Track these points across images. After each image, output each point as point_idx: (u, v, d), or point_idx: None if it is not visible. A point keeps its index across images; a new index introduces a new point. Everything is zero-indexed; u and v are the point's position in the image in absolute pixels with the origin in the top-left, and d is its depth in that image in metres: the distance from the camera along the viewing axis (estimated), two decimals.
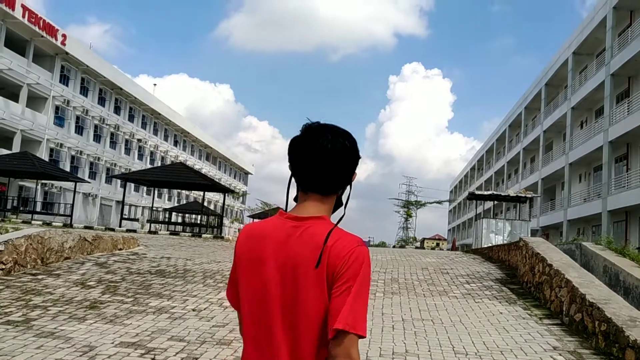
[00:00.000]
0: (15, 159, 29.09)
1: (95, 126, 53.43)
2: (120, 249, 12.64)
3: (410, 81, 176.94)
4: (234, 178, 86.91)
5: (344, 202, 1.71)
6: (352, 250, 1.52)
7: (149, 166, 56.07)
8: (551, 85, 42.40)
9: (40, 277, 8.95)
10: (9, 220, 21.19)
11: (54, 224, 22.58)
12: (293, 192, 1.71)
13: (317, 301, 1.50)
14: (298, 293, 1.51)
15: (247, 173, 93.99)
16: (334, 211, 1.68)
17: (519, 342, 6.83)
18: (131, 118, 59.46)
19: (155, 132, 63.77)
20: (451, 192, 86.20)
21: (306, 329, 1.51)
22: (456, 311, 8.52)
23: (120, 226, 28.20)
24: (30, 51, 45.15)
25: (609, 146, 27.95)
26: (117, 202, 51.13)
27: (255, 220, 58.45)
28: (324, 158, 1.62)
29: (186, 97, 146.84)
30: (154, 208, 32.68)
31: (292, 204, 1.68)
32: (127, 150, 59.06)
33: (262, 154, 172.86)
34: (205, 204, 58.63)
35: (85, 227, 22.68)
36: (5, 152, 37.36)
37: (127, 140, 58.63)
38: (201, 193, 57.00)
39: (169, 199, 63.12)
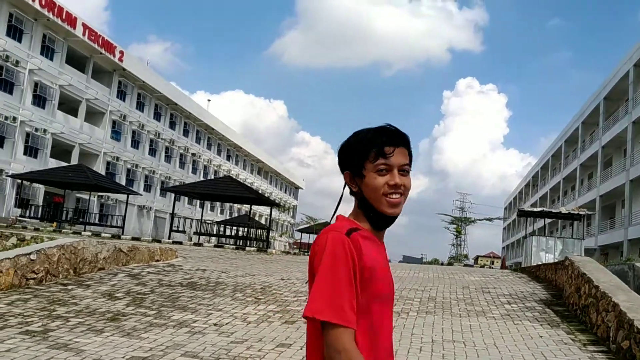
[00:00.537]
0: (70, 171, 30.01)
1: (151, 140, 54.74)
2: (157, 261, 12.66)
3: (464, 96, 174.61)
4: (285, 192, 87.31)
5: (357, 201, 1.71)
6: (318, 241, 1.56)
7: (202, 180, 56.95)
8: (610, 98, 40.73)
9: (70, 287, 8.98)
10: (59, 231, 21.77)
11: (102, 234, 23.04)
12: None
13: None
14: None
15: (297, 187, 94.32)
16: (370, 220, 1.67)
17: None
18: (186, 133, 60.67)
19: (209, 147, 64.87)
20: (505, 208, 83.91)
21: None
22: (492, 333, 8.04)
23: (169, 238, 28.58)
24: (89, 67, 46.79)
25: None
26: (171, 214, 52.12)
27: (303, 234, 58.35)
28: None
29: (242, 113, 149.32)
30: (204, 220, 33.03)
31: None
32: (182, 164, 60.22)
33: (314, 168, 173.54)
34: (257, 217, 59.10)
35: (133, 238, 23.03)
36: (64, 164, 38.58)
37: (181, 155, 59.82)
38: (254, 207, 57.63)
39: (222, 212, 63.87)
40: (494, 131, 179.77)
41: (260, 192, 74.17)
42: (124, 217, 33.43)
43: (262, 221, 66.34)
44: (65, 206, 39.54)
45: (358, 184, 1.67)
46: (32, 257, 8.81)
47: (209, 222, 36.82)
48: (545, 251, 19.98)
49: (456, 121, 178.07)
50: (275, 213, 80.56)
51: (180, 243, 22.26)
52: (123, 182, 49.18)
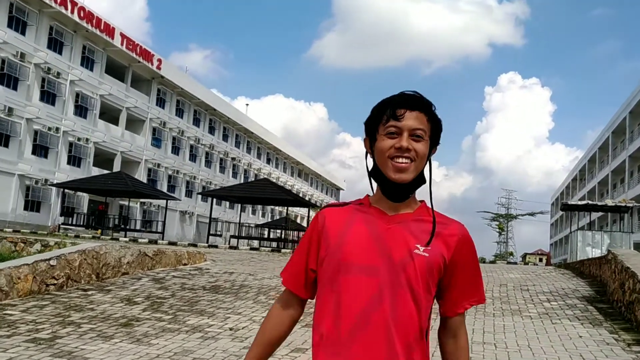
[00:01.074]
0: (110, 179, 30.43)
1: (191, 146, 55.30)
2: (185, 264, 12.50)
3: (507, 91, 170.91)
4: (326, 194, 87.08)
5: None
6: None
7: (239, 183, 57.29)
8: None
9: (90, 292, 8.86)
10: (98, 237, 22.01)
11: (139, 240, 23.19)
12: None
13: None
14: None
15: (338, 189, 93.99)
16: (381, 187, 1.66)
17: None
18: (225, 137, 61.10)
19: (249, 151, 65.19)
20: (552, 204, 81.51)
21: None
22: (526, 334, 7.50)
23: (207, 242, 28.63)
24: (128, 76, 47.57)
25: None
26: (213, 218, 52.50)
27: None
28: None
29: (282, 116, 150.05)
30: (242, 224, 33.03)
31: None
32: (222, 169, 60.67)
33: (355, 169, 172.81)
34: (298, 220, 58.97)
35: (169, 243, 23.11)
36: (106, 172, 39.22)
37: (221, 159, 60.26)
38: (292, 208, 57.49)
39: (263, 215, 64.03)
40: (539, 126, 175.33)
41: (300, 194, 74.18)
42: (164, 222, 33.73)
43: (304, 224, 66.29)
44: (109, 213, 40.27)
45: (373, 150, 1.63)
46: (52, 262, 8.72)
47: (248, 225, 36.83)
48: (591, 246, 19.04)
49: (499, 117, 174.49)
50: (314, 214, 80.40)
51: (216, 247, 22.21)
52: (165, 189, 49.83)
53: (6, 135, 36.08)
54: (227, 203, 54.42)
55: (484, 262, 28.15)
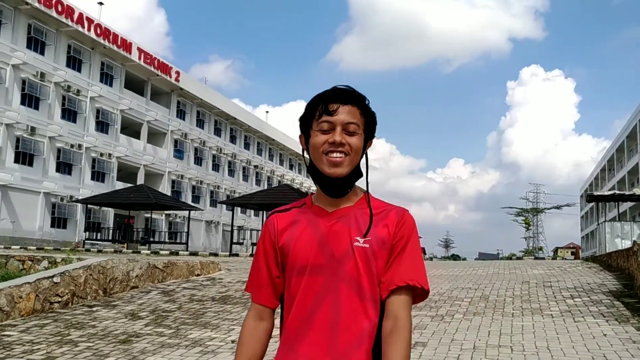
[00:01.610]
0: (132, 192, 30.55)
1: (213, 156, 55.46)
2: (198, 275, 12.29)
3: (529, 85, 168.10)
4: None
5: None
6: None
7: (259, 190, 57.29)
8: None
9: (95, 308, 8.68)
10: (119, 251, 22.00)
11: (161, 252, 23.15)
12: None
13: None
14: None
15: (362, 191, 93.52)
16: (318, 184, 1.64)
17: None
18: (247, 146, 61.17)
19: (271, 158, 65.20)
20: (581, 196, 79.71)
21: None
22: (546, 334, 7.07)
23: (230, 251, 28.52)
24: (148, 90, 47.92)
25: None
26: (239, 227, 52.52)
27: None
28: None
29: None
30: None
31: None
32: (245, 177, 60.73)
33: (380, 171, 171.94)
34: None
35: (191, 254, 23.01)
36: (130, 186, 39.44)
37: (244, 168, 60.33)
38: None
39: None
40: (564, 118, 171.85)
41: None
42: (187, 233, 33.77)
43: None
44: (135, 226, 40.55)
45: (308, 147, 1.62)
46: (56, 279, 8.56)
47: None
48: (621, 237, 18.32)
49: (522, 111, 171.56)
50: None
51: (237, 255, 22.02)
52: (189, 199, 50.02)
53: (30, 154, 36.56)
54: (252, 211, 54.42)
55: (511, 259, 27.46)
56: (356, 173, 1.62)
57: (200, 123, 54.15)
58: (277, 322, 1.66)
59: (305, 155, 1.66)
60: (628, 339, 6.74)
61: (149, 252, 23.09)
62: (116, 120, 43.86)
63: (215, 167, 55.85)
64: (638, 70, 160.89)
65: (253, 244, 28.43)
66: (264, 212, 41.30)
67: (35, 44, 37.06)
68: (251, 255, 22.22)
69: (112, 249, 24.45)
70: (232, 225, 30.16)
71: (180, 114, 51.49)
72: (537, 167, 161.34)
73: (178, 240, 43.96)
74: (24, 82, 35.97)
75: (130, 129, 46.37)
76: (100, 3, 42.50)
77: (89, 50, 41.08)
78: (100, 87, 41.59)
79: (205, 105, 53.68)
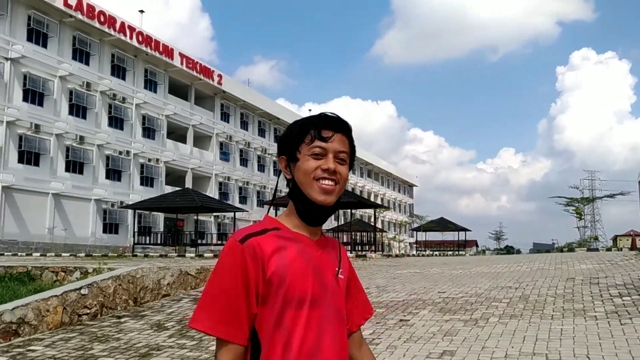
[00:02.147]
0: (178, 196, 30.88)
1: (258, 157, 55.80)
2: None
3: (581, 69, 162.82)
4: (398, 192, 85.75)
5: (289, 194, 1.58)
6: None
7: None
8: None
9: (123, 319, 8.64)
10: (165, 255, 22.21)
11: (205, 255, 23.29)
12: None
13: None
14: None
15: (411, 185, 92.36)
16: (299, 212, 1.55)
17: None
18: None
19: None
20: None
21: None
22: (587, 339, 6.58)
23: None
24: (191, 94, 48.53)
25: None
26: None
27: (428, 233, 56.10)
28: None
29: (351, 118, 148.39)
30: None
31: None
32: None
33: (430, 164, 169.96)
34: (370, 221, 58.18)
35: None
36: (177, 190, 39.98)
37: None
38: (368, 211, 56.80)
39: (336, 218, 63.55)
40: (619, 101, 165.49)
41: (372, 195, 73.31)
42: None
43: (379, 224, 65.42)
44: (185, 229, 41.12)
45: (292, 170, 1.55)
46: (83, 291, 8.57)
47: None
48: None
49: (574, 96, 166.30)
50: (390, 214, 79.25)
51: None
52: (236, 200, 50.47)
53: (80, 162, 37.53)
54: None
55: (562, 251, 26.43)
56: (338, 202, 1.58)
57: (244, 125, 54.54)
58: None
59: (283, 177, 1.61)
60: None
61: (193, 255, 23.26)
62: (162, 126, 44.59)
63: (261, 167, 56.18)
64: None
65: None
66: None
67: (80, 54, 37.99)
68: None
69: (158, 254, 24.77)
70: None
71: (225, 117, 51.96)
72: (592, 153, 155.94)
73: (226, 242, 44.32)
74: (71, 92, 36.94)
75: (176, 133, 47.08)
76: (142, 11, 43.26)
77: (132, 58, 41.87)
78: (145, 94, 42.36)
79: (248, 106, 54.02)
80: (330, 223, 61.10)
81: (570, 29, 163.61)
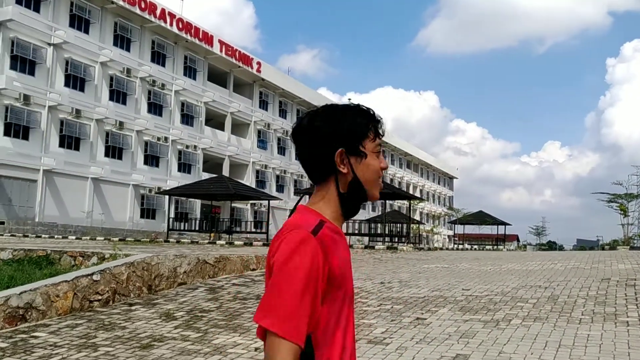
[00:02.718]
0: (212, 183, 30.97)
1: None
2: (253, 269, 11.97)
3: (632, 61, 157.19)
4: (438, 184, 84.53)
5: (338, 188, 1.48)
6: (280, 239, 1.39)
7: None
8: None
9: (134, 307, 8.49)
10: (212, 242, 22.24)
11: (236, 242, 23.25)
12: None
13: None
14: None
15: (451, 177, 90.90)
16: (347, 206, 1.49)
17: None
18: None
19: None
20: None
21: None
22: (615, 347, 6.06)
23: None
24: (230, 82, 48.61)
25: None
26: None
27: (466, 226, 55.03)
28: (295, 140, 1.54)
29: (393, 108, 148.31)
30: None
31: None
32: None
33: (472, 156, 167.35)
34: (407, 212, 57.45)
35: (264, 244, 22.95)
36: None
37: None
38: (406, 202, 56.07)
39: (373, 209, 63.06)
40: None
41: (411, 186, 72.38)
42: (267, 222, 33.98)
43: (417, 216, 64.58)
44: (222, 216, 41.32)
45: (351, 165, 1.48)
46: (95, 277, 8.46)
47: (352, 220, 36.12)
48: None
49: (625, 89, 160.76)
50: (430, 206, 78.20)
51: None
52: (273, 189, 50.48)
53: (119, 148, 38.06)
54: None
55: (604, 249, 25.38)
56: None
57: (282, 113, 54.44)
58: None
59: (342, 169, 1.46)
60: None
61: (224, 242, 23.23)
62: (200, 113, 44.85)
63: None
64: None
65: None
66: None
67: (122, 41, 38.42)
68: None
69: (190, 240, 24.85)
70: None
71: (263, 105, 51.93)
72: None
73: (263, 230, 44.41)
74: (111, 78, 37.43)
75: (215, 120, 47.30)
76: None
77: (172, 45, 42.16)
78: (184, 81, 42.62)
79: (287, 95, 53.86)
80: (368, 213, 60.73)
81: (622, 19, 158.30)
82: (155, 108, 41.06)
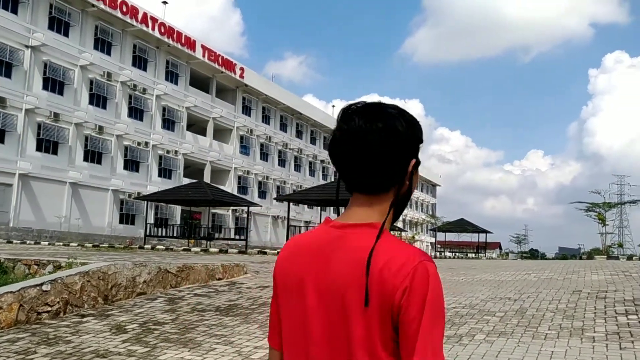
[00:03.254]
0: (190, 189, 30.51)
1: (279, 151, 55.30)
2: (219, 279, 11.61)
3: (613, 72, 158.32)
4: (421, 191, 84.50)
5: (396, 202, 1.30)
6: (412, 271, 1.16)
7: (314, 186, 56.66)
8: None
9: (85, 319, 8.11)
10: (188, 248, 21.80)
11: (211, 250, 22.81)
12: None
13: (367, 341, 1.16)
14: (348, 328, 1.18)
15: (434, 185, 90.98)
16: (396, 215, 1.33)
17: None
18: (313, 141, 60.70)
19: None
20: None
21: None
22: None
23: None
24: (213, 87, 48.21)
25: None
26: (306, 222, 52.16)
27: (447, 233, 55.01)
28: (359, 142, 1.25)
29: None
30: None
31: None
32: (312, 172, 60.30)
33: (456, 164, 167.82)
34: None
35: (240, 252, 22.57)
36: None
37: (310, 162, 59.90)
38: None
39: None
40: None
41: None
42: (247, 229, 33.61)
43: (399, 223, 64.39)
44: (202, 222, 40.81)
45: (410, 179, 1.33)
46: (45, 287, 8.07)
47: None
48: None
49: (606, 100, 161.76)
50: (412, 213, 78.10)
51: None
52: (255, 195, 50.08)
53: (99, 152, 37.48)
54: (319, 208, 54.00)
55: (581, 258, 25.32)
56: None
57: (265, 119, 54.11)
58: None
59: (407, 181, 1.31)
60: None
61: (199, 249, 22.81)
62: (182, 118, 44.38)
63: (282, 162, 55.69)
64: None
65: None
66: (320, 208, 40.55)
67: (102, 44, 37.91)
68: None
69: (165, 247, 24.37)
70: (287, 221, 29.60)
71: (246, 110, 51.58)
72: (623, 158, 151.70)
73: (244, 237, 43.98)
74: (91, 82, 36.89)
75: (197, 126, 46.87)
76: (165, 2, 43.02)
77: (154, 49, 41.71)
78: (165, 86, 42.16)
79: (270, 101, 53.55)
80: None
81: (604, 31, 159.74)
82: (136, 113, 40.55)
